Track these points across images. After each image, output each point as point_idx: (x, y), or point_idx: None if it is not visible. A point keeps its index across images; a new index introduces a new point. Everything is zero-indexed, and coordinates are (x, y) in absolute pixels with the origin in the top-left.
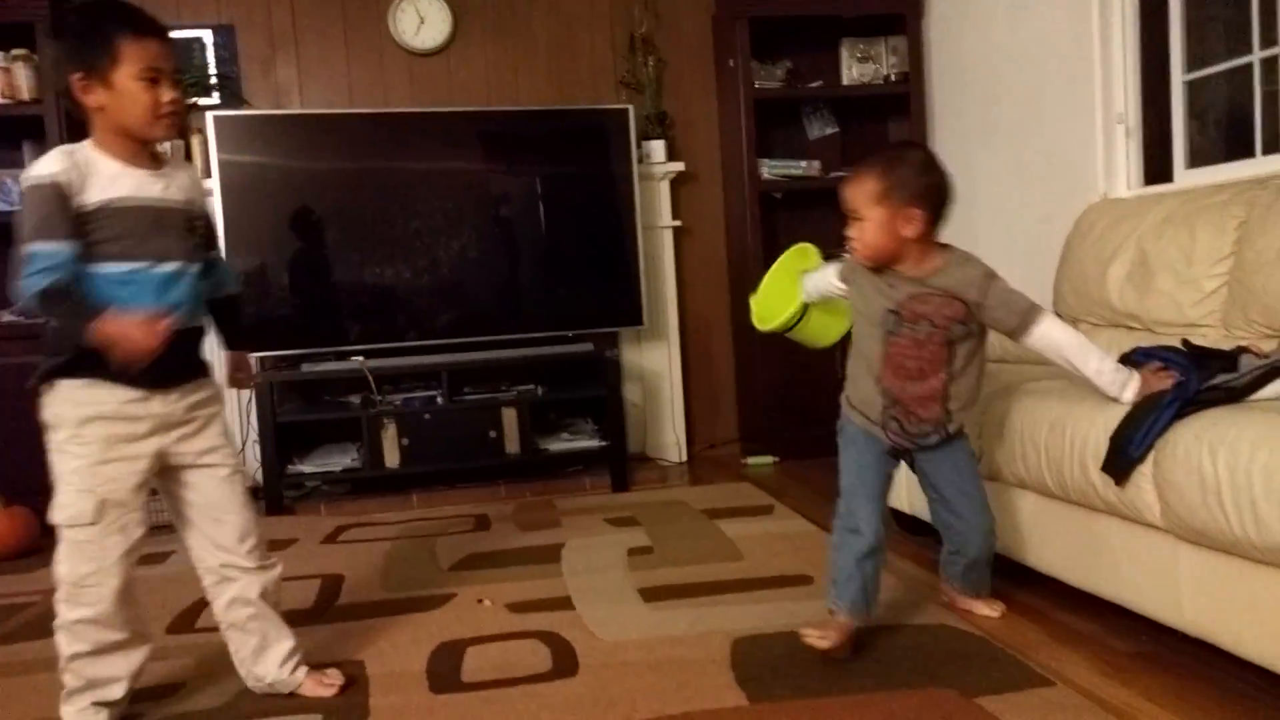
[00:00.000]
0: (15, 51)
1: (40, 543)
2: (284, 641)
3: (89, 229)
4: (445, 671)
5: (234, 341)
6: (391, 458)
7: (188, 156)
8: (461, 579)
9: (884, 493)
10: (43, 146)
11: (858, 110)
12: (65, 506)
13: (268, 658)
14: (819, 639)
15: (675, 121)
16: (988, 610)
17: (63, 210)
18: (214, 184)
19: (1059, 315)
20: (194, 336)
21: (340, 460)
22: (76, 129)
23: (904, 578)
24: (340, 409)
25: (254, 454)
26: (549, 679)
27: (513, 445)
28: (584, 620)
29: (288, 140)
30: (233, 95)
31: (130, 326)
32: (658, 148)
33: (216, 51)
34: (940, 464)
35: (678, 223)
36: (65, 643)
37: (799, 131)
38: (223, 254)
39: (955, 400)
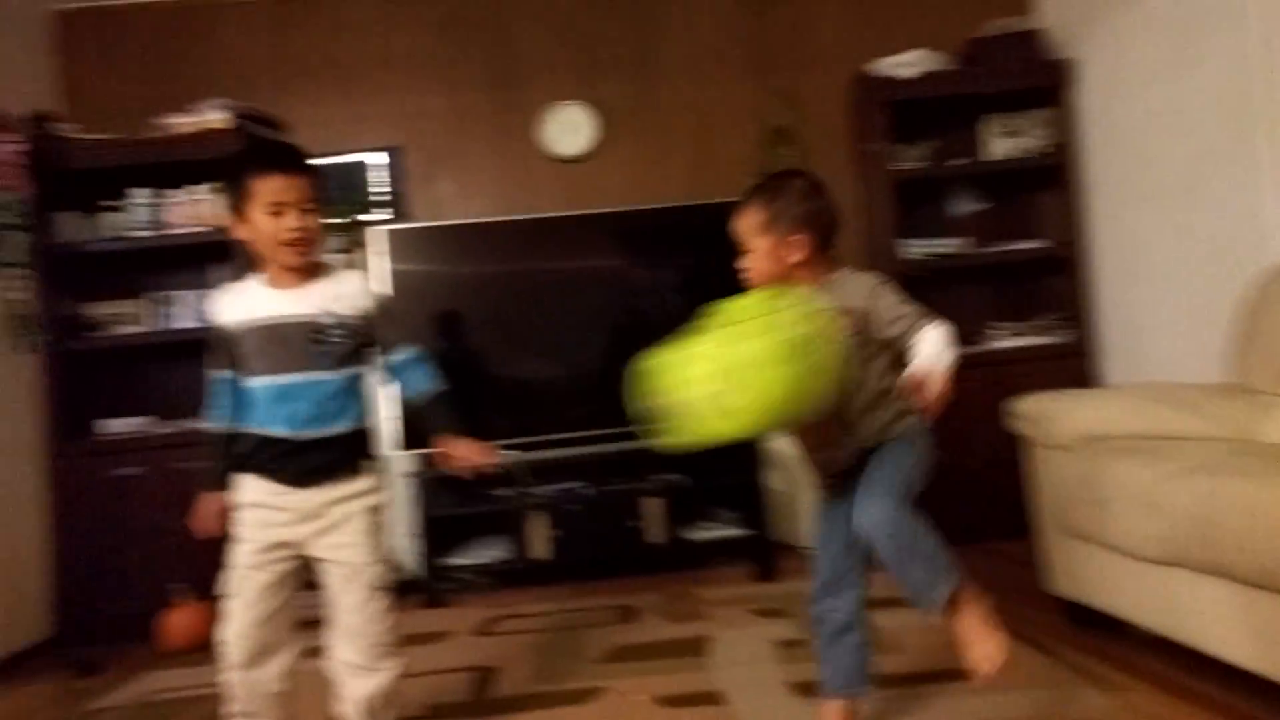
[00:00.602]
0: (216, 184)
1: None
2: None
3: (237, 349)
4: None
5: (449, 429)
6: (541, 549)
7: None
8: (611, 671)
9: (843, 531)
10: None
11: (1004, 185)
12: (232, 580)
13: None
14: None
15: None
16: (982, 648)
17: (216, 340)
18: (386, 291)
19: (1242, 388)
20: (337, 442)
21: (491, 552)
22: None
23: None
24: (492, 502)
25: (413, 548)
26: None
27: (656, 535)
28: (736, 715)
29: (446, 249)
30: (399, 210)
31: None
32: None
33: (391, 170)
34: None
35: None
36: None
37: (942, 211)
38: (422, 360)
39: (874, 415)
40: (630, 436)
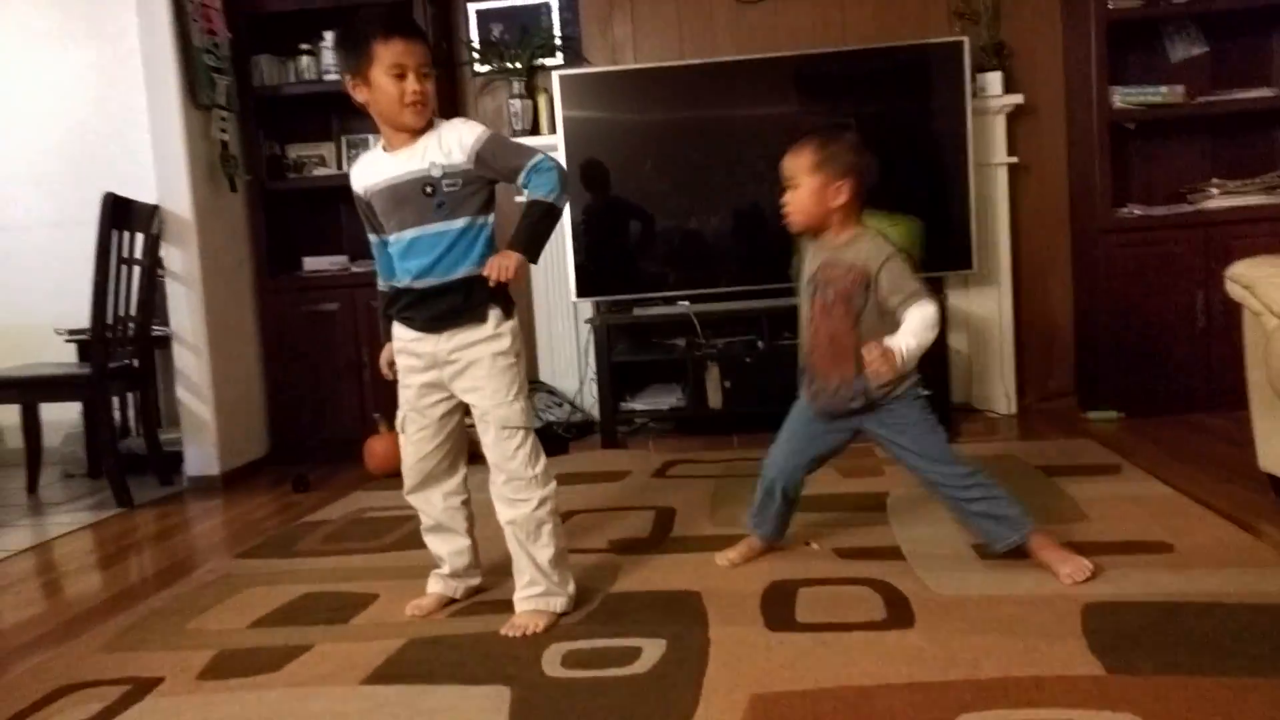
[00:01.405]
0: None
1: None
2: (521, 578)
3: (373, 212)
4: (779, 610)
5: (511, 238)
6: (714, 399)
7: (535, 115)
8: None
9: (802, 447)
10: None
11: (1232, 25)
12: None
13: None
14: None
15: (1014, 51)
16: (1068, 570)
17: (360, 209)
18: (559, 139)
19: None
20: (456, 288)
21: (667, 400)
22: (447, 96)
23: None
24: (667, 351)
25: (592, 391)
26: (884, 628)
27: None
28: (916, 572)
29: (623, 95)
30: (574, 55)
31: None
32: (994, 80)
33: (560, 14)
34: (887, 431)
35: (1014, 159)
36: None
37: (1158, 56)
38: (545, 168)
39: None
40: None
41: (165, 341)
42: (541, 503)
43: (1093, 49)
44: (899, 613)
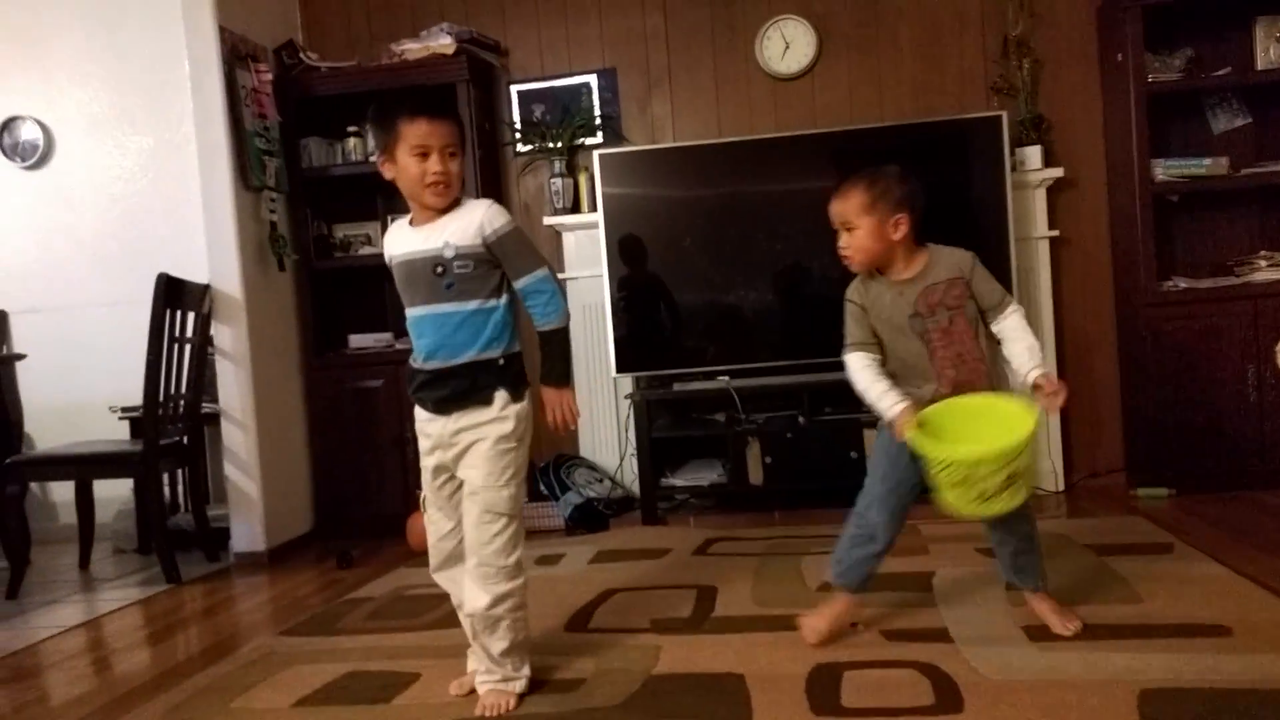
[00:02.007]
0: None
1: None
2: (480, 662)
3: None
4: (824, 693)
5: (545, 376)
6: (755, 475)
7: (576, 193)
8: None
9: (904, 500)
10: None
11: (1275, 97)
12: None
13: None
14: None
15: (1053, 125)
16: (1060, 626)
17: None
18: (599, 216)
19: None
20: (463, 372)
21: (707, 476)
22: (491, 176)
23: None
24: (708, 427)
25: (632, 467)
26: (933, 714)
27: None
28: (963, 655)
29: (661, 172)
30: (614, 133)
31: None
32: (1033, 154)
33: (600, 94)
34: None
35: (1055, 233)
36: None
37: (1199, 127)
38: (546, 290)
39: (995, 374)
40: (834, 367)
41: (214, 418)
42: (502, 599)
43: (1133, 121)
44: (947, 697)
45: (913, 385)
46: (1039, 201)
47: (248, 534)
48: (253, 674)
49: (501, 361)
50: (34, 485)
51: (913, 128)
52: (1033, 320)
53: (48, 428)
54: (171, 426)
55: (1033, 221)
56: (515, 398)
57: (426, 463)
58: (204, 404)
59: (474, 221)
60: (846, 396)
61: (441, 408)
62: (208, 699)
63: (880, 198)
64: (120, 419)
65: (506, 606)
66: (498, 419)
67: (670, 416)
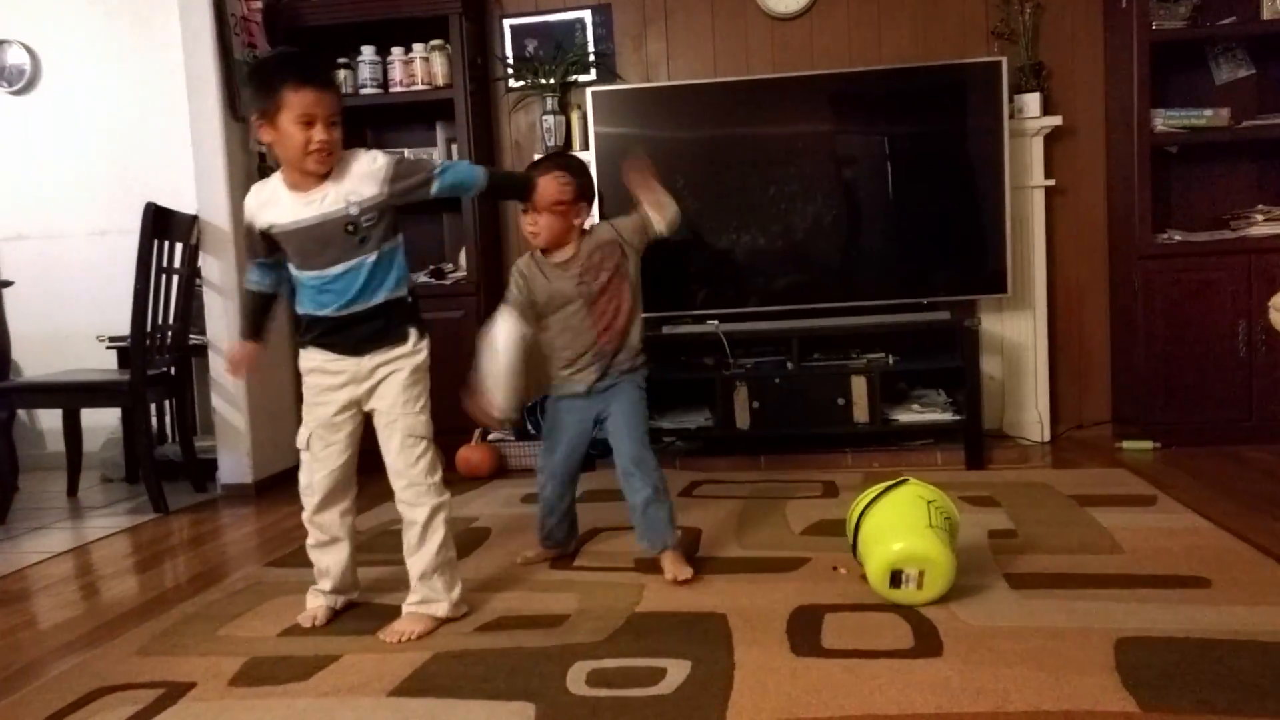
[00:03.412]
0: (433, 42)
1: (448, 476)
2: (414, 582)
3: (275, 245)
4: (805, 634)
5: (520, 186)
6: (742, 419)
7: (568, 131)
8: (813, 544)
9: (579, 449)
10: (452, 128)
11: (1279, 48)
12: (301, 433)
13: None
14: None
15: (1053, 72)
16: (674, 572)
17: (250, 235)
18: (590, 154)
19: None
20: (379, 313)
21: (694, 419)
22: (482, 112)
23: None
24: (696, 370)
25: None
26: (912, 656)
27: (861, 414)
28: (946, 601)
29: (656, 111)
30: (608, 71)
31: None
32: (1031, 101)
33: (595, 30)
34: (613, 403)
35: (1051, 182)
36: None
37: (1202, 77)
38: (453, 164)
39: (635, 329)
40: (837, 313)
41: (201, 349)
42: (436, 510)
43: (1135, 70)
44: (927, 641)
45: (566, 363)
46: (1036, 150)
47: (235, 465)
48: (239, 603)
49: (409, 299)
50: (21, 413)
51: (911, 71)
52: (1025, 270)
53: (35, 355)
54: (159, 357)
55: (1029, 170)
56: (422, 333)
57: (328, 399)
58: (191, 335)
59: (368, 174)
60: (836, 342)
61: (361, 348)
62: (195, 626)
63: (583, 188)
64: (108, 349)
65: (441, 518)
66: (412, 352)
67: (658, 359)
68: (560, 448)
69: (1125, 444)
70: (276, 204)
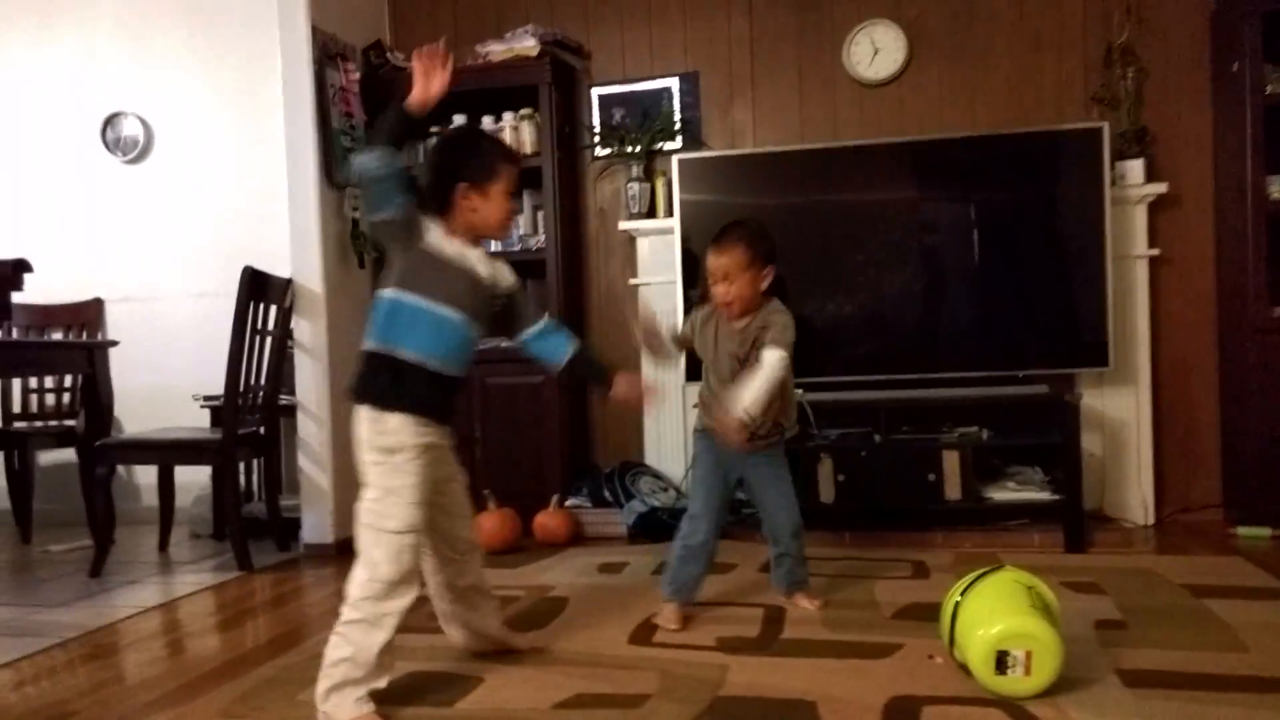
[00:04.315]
0: (522, 111)
1: (524, 542)
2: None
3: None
4: None
5: (605, 377)
6: (826, 493)
7: (653, 198)
8: (906, 629)
9: (726, 499)
10: (539, 195)
11: None
12: (396, 517)
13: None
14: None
15: (1157, 138)
16: (807, 604)
17: (423, 258)
18: (675, 222)
19: None
20: (461, 386)
21: None
22: (568, 179)
23: None
24: None
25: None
26: None
27: (953, 491)
28: (1054, 697)
29: (740, 178)
30: (694, 138)
31: None
32: (1135, 168)
33: (681, 98)
34: (763, 470)
35: (1155, 251)
36: (369, 634)
37: None
38: (550, 331)
39: (787, 409)
40: (927, 384)
41: (290, 410)
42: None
43: (1248, 135)
44: None
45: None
46: (1139, 218)
47: (318, 525)
48: (317, 667)
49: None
50: (120, 467)
51: (1006, 138)
52: (1128, 343)
53: (135, 412)
54: (250, 416)
55: (1132, 239)
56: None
57: (431, 476)
58: (281, 396)
59: (498, 268)
60: (926, 415)
61: (447, 417)
62: (275, 690)
63: (760, 252)
64: (202, 407)
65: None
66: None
67: None
68: (705, 491)
69: (1240, 529)
70: (450, 243)
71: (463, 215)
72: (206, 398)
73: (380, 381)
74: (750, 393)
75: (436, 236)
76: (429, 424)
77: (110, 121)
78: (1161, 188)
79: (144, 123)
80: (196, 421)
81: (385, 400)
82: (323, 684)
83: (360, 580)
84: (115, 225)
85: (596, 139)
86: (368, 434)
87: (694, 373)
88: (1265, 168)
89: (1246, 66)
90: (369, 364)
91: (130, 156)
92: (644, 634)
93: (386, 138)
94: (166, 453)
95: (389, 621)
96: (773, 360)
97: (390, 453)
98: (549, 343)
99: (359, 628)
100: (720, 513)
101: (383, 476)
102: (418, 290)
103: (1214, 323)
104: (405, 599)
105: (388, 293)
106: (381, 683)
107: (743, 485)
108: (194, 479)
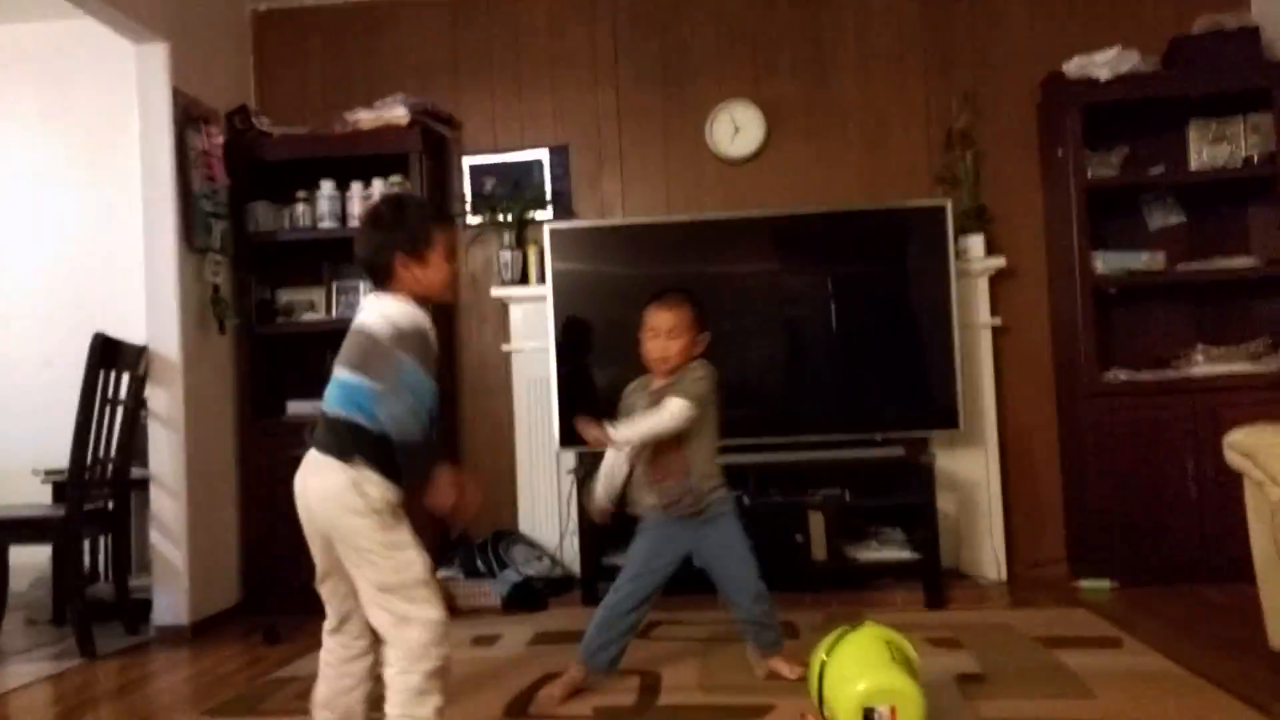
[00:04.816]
0: (392, 178)
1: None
2: None
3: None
4: None
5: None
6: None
7: (524, 266)
8: (780, 689)
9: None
10: None
11: (1208, 197)
12: (415, 562)
13: None
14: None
15: (995, 215)
16: (787, 672)
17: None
18: (547, 289)
19: None
20: None
21: None
22: None
23: None
24: None
25: (573, 545)
26: None
27: (819, 551)
28: None
29: (610, 248)
30: (564, 209)
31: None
32: (976, 243)
33: (552, 170)
34: (710, 540)
35: (997, 321)
36: (442, 681)
37: (1137, 222)
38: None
39: (695, 474)
40: (793, 447)
41: (141, 484)
42: None
43: (1074, 215)
44: None
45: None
46: (982, 289)
47: (171, 606)
48: None
49: None
50: None
51: (859, 214)
52: (976, 406)
53: None
54: (97, 491)
55: (976, 309)
56: None
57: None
58: (133, 468)
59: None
60: (792, 477)
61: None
62: None
63: (699, 316)
64: (43, 482)
65: None
66: None
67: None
68: (636, 564)
69: (1084, 583)
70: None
71: (406, 286)
72: (48, 471)
73: (353, 442)
74: (631, 427)
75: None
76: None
77: None
78: (1000, 261)
79: None
80: (35, 498)
81: (362, 458)
82: None
83: (416, 638)
84: None
85: (468, 208)
86: (349, 500)
87: (567, 438)
88: (1090, 244)
89: (1070, 153)
90: (345, 428)
91: None
92: (520, 705)
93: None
94: (2, 531)
95: (448, 657)
96: (671, 407)
97: (378, 513)
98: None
99: (434, 679)
100: (649, 584)
101: (380, 536)
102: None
103: (1051, 387)
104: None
105: (350, 374)
106: None
107: (693, 560)
108: (31, 560)
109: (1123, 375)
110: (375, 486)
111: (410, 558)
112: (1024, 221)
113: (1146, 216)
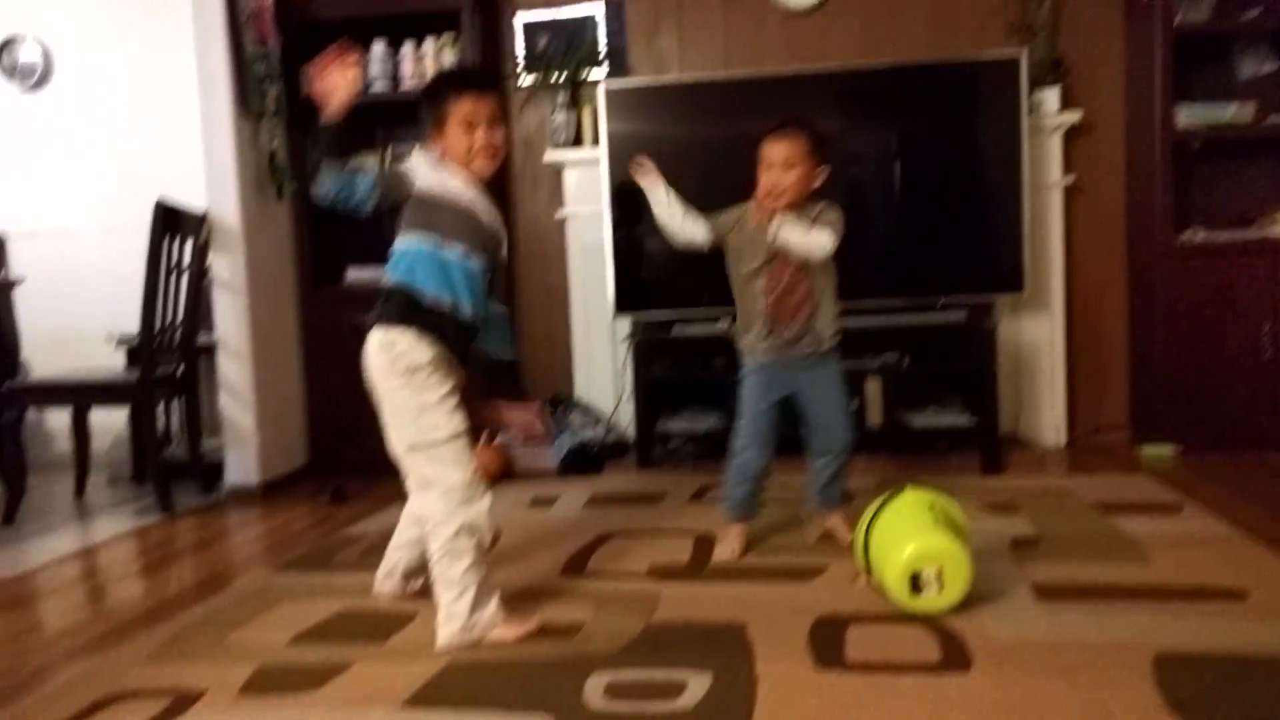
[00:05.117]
0: (444, 38)
1: (513, 470)
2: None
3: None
4: (828, 647)
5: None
6: None
7: (579, 128)
8: (831, 551)
9: (774, 422)
10: None
11: None
12: (441, 426)
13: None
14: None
15: (1072, 67)
16: (843, 533)
17: (393, 177)
18: (602, 152)
19: None
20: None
21: (705, 421)
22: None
23: None
24: (706, 371)
25: (627, 411)
26: (940, 671)
27: (875, 417)
28: (971, 610)
29: (667, 107)
30: (620, 67)
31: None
32: (1050, 96)
33: (608, 25)
34: (820, 383)
35: (1070, 179)
36: (470, 541)
37: (1226, 72)
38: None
39: (821, 316)
40: (851, 312)
41: (209, 350)
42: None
43: (1157, 64)
44: (955, 655)
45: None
46: (1054, 146)
47: (241, 467)
48: (247, 609)
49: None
50: (30, 412)
51: (926, 67)
52: (1043, 269)
53: (44, 354)
54: (167, 356)
55: (1047, 167)
56: None
57: (451, 395)
58: (200, 335)
59: (500, 229)
60: (850, 342)
61: (465, 360)
62: (203, 632)
63: (818, 146)
64: (116, 348)
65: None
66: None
67: (668, 360)
68: (749, 421)
69: (1145, 449)
70: (451, 182)
71: (442, 155)
72: (121, 338)
73: (390, 307)
74: (796, 227)
75: (429, 177)
76: (439, 346)
77: (6, 46)
78: (1076, 116)
79: (43, 46)
80: (110, 363)
81: (393, 320)
82: (458, 612)
83: (435, 501)
84: (15, 157)
85: (520, 68)
86: (381, 361)
87: (623, 304)
88: (1173, 96)
89: None
90: (385, 295)
91: (29, 83)
92: (577, 564)
93: (326, 158)
94: (80, 394)
95: (482, 523)
96: (820, 233)
97: (410, 373)
98: (491, 333)
99: (460, 539)
100: (768, 436)
101: (410, 397)
102: (417, 231)
103: (1124, 248)
104: (486, 499)
105: (398, 240)
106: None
107: (794, 402)
108: (110, 423)
109: (1200, 235)
110: (405, 342)
111: (436, 420)
112: (1103, 72)
113: (1237, 64)
